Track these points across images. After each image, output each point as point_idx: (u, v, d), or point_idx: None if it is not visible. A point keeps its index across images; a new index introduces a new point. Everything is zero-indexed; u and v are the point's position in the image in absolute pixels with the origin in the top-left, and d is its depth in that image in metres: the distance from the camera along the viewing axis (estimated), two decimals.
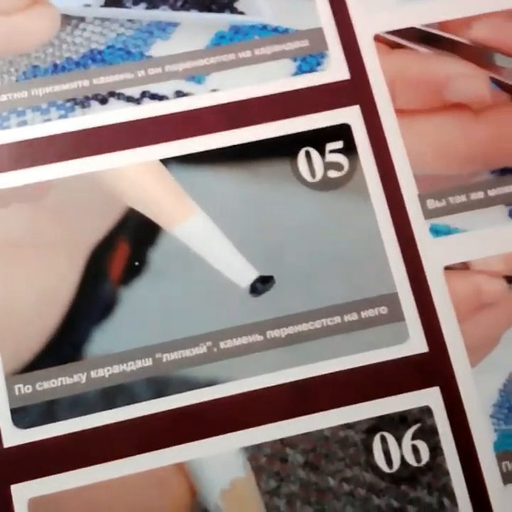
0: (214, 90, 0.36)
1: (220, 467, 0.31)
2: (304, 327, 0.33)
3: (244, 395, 0.32)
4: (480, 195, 0.35)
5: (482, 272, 0.34)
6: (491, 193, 0.36)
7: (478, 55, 0.37)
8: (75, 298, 0.33)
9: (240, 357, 0.32)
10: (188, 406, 0.32)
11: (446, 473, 0.32)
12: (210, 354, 0.32)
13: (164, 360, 0.32)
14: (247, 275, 0.34)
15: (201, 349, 0.33)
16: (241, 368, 0.32)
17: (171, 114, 0.36)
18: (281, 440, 0.32)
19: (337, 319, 0.33)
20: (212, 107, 0.36)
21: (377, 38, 0.37)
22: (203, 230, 0.34)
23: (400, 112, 0.36)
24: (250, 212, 0.34)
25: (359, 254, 0.34)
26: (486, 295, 0.34)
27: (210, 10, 0.37)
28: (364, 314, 0.33)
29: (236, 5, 0.37)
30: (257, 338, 0.33)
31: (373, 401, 0.32)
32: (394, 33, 0.37)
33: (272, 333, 0.33)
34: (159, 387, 0.32)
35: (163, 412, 0.32)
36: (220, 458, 0.32)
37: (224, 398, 0.32)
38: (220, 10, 0.37)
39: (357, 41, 0.37)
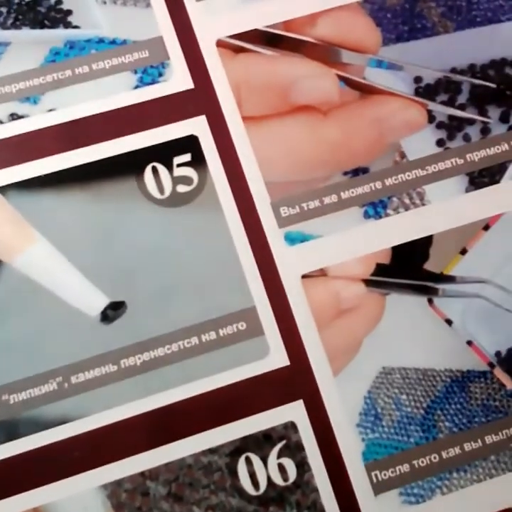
0: (51, 110, 0.32)
1: (79, 509, 0.29)
2: (160, 352, 0.30)
3: (100, 430, 0.29)
4: (333, 198, 0.33)
5: (340, 278, 0.32)
6: (345, 195, 0.33)
7: (325, 53, 0.35)
8: None
9: (94, 390, 0.29)
10: (41, 448, 0.29)
11: (315, 490, 0.30)
12: (61, 390, 0.29)
13: (11, 401, 0.29)
14: (96, 303, 0.31)
15: (51, 386, 0.29)
16: (95, 401, 0.29)
17: (6, 138, 0.32)
18: (142, 473, 0.29)
19: (194, 340, 0.31)
20: (50, 127, 0.32)
21: (220, 43, 0.34)
22: (45, 259, 0.31)
23: (247, 119, 0.33)
24: (96, 236, 0.31)
25: (214, 270, 0.32)
26: (345, 301, 0.32)
27: (43, 26, 0.34)
28: (222, 332, 0.31)
29: (70, 19, 0.34)
30: (111, 368, 0.30)
31: (236, 422, 0.30)
32: (236, 36, 0.34)
33: (127, 362, 0.30)
34: (8, 430, 0.29)
35: (14, 456, 0.29)
36: (77, 499, 0.29)
37: (78, 436, 0.29)
38: (54, 25, 0.34)
39: (199, 48, 0.34)
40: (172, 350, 0.30)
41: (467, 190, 0.34)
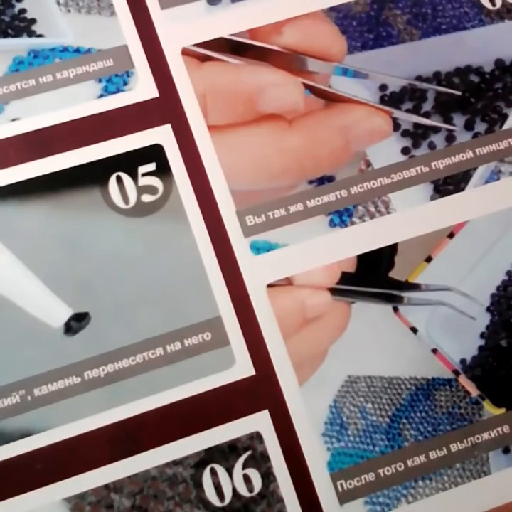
0: (15, 119, 0.32)
1: None
2: (124, 363, 0.30)
3: (63, 443, 0.28)
4: (299, 207, 0.33)
5: (305, 286, 0.32)
6: (310, 203, 0.33)
7: (290, 61, 0.34)
8: None
9: (57, 403, 0.29)
10: (3, 461, 0.28)
11: (280, 500, 0.29)
12: (24, 403, 0.28)
13: None
14: (59, 314, 0.30)
15: (14, 399, 0.28)
16: (58, 414, 0.29)
17: None
18: (106, 485, 0.28)
19: (159, 351, 0.30)
20: (14, 137, 0.31)
21: (185, 52, 0.34)
22: (7, 270, 0.30)
23: (212, 128, 0.33)
24: (60, 246, 0.30)
25: (179, 280, 0.31)
26: (310, 309, 0.31)
27: (6, 35, 0.33)
28: (188, 342, 0.30)
29: (34, 28, 0.33)
30: (75, 380, 0.29)
31: (201, 433, 0.29)
32: (202, 45, 0.34)
33: (91, 374, 0.29)
34: None
35: None
36: None
37: (41, 449, 0.28)
38: (18, 34, 0.33)
39: (164, 56, 0.33)
40: (136, 361, 0.30)
41: (432, 198, 0.33)
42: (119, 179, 0.31)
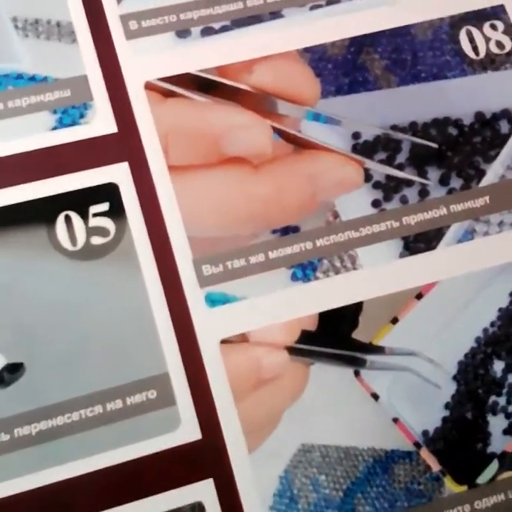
0: None
1: None
2: (59, 421, 0.26)
3: None
4: (260, 257, 0.30)
5: (262, 344, 0.29)
6: (272, 255, 0.30)
7: (260, 102, 0.31)
8: None
9: None
10: None
11: None
12: None
13: None
14: None
15: None
16: None
17: None
18: None
19: (98, 409, 0.27)
20: None
21: (149, 86, 0.31)
22: None
23: (173, 169, 0.30)
24: None
25: (126, 331, 0.28)
26: (266, 369, 0.28)
27: None
28: (130, 400, 0.27)
29: None
30: (3, 437, 0.26)
31: (140, 501, 0.26)
32: (167, 79, 0.31)
33: (21, 431, 0.26)
34: None
35: None
36: None
37: None
38: None
39: (126, 89, 0.30)
40: (73, 419, 0.26)
41: (401, 256, 0.30)
42: (67, 219, 0.28)
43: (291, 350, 0.29)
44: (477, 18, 0.34)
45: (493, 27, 0.34)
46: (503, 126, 0.32)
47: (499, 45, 0.34)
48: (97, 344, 0.27)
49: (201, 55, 0.31)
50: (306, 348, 0.29)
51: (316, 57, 0.32)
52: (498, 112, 0.32)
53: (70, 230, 0.28)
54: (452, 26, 0.34)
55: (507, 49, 0.34)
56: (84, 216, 0.28)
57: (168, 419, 0.27)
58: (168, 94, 0.31)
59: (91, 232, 0.28)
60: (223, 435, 0.27)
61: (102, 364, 0.27)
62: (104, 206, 0.29)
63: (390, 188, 0.31)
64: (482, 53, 0.34)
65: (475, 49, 0.34)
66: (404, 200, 0.31)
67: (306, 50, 0.32)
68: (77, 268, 0.28)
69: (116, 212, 0.29)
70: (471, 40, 0.34)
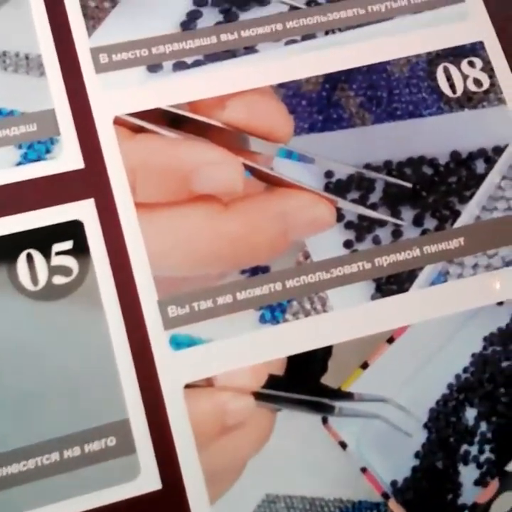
0: None
1: None
2: (13, 469, 0.25)
3: None
4: (228, 299, 0.28)
5: (227, 389, 0.28)
6: (241, 296, 0.29)
7: (232, 139, 0.30)
8: None
9: None
10: None
11: None
12: None
13: None
14: None
15: None
16: None
17: None
18: None
19: (55, 456, 0.25)
20: None
21: (118, 121, 0.30)
22: None
23: (140, 206, 0.29)
24: None
25: (86, 375, 0.26)
26: (230, 416, 0.27)
27: None
28: (88, 448, 0.26)
29: None
30: None
31: None
32: (137, 115, 0.30)
33: None
34: None
35: None
36: None
37: None
38: None
39: (94, 124, 0.29)
40: (28, 466, 0.25)
41: (373, 298, 0.29)
42: (29, 257, 0.27)
43: (258, 396, 0.27)
44: (455, 54, 0.33)
45: (471, 64, 0.33)
46: (479, 166, 0.32)
47: (477, 82, 0.33)
48: (56, 388, 0.26)
49: (173, 90, 0.30)
50: (273, 394, 0.28)
51: (290, 94, 0.31)
52: (475, 151, 0.32)
53: (32, 269, 0.27)
54: (429, 63, 0.33)
55: (485, 87, 0.33)
56: (47, 254, 0.27)
57: (127, 467, 0.26)
58: (138, 129, 0.30)
59: (53, 271, 0.27)
60: (184, 485, 0.26)
61: (60, 409, 0.26)
62: (68, 244, 0.28)
63: (362, 228, 0.30)
64: (459, 91, 0.33)
65: (452, 86, 0.33)
66: (376, 241, 0.30)
67: (281, 85, 0.31)
68: (38, 309, 0.27)
69: (80, 250, 0.28)
70: (449, 77, 0.33)
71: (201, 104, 0.30)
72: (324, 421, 0.28)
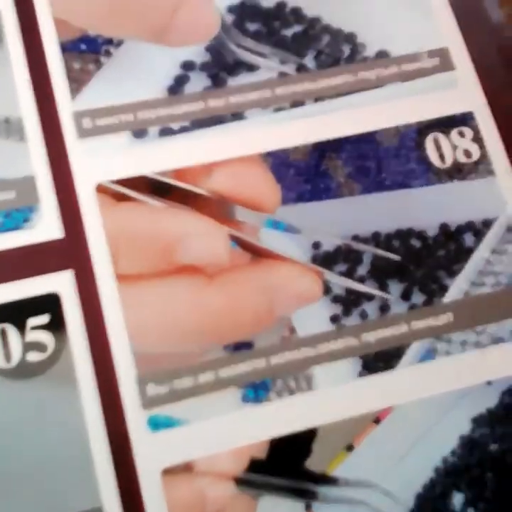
0: None
1: None
2: None
3: None
4: (210, 376, 0.27)
5: (207, 474, 0.26)
6: (223, 373, 0.27)
7: (217, 208, 0.29)
8: None
9: None
10: None
11: None
12: None
13: None
14: None
15: None
16: None
17: None
18: None
19: None
20: None
21: (100, 189, 0.28)
22: None
23: (121, 278, 0.27)
24: None
25: (58, 459, 0.24)
26: (209, 503, 0.25)
27: None
28: None
29: None
30: None
31: None
32: (120, 182, 0.28)
33: None
34: None
35: None
36: None
37: None
38: None
39: (75, 192, 0.28)
40: None
41: (360, 375, 0.28)
42: (2, 332, 0.26)
43: (239, 481, 0.26)
44: (445, 124, 0.32)
45: (461, 134, 0.32)
46: (468, 240, 0.30)
47: (467, 153, 0.32)
48: (23, 474, 0.24)
49: (158, 157, 0.29)
50: (255, 479, 0.26)
51: (278, 162, 0.30)
52: (463, 224, 0.30)
53: (5, 345, 0.25)
54: (419, 132, 0.32)
55: (475, 157, 0.32)
56: (22, 329, 0.25)
57: None
58: (121, 197, 0.28)
59: (28, 347, 0.25)
60: None
61: (29, 496, 0.24)
62: (44, 318, 0.26)
63: (349, 301, 0.29)
64: (449, 162, 0.32)
65: (441, 157, 0.32)
66: (363, 315, 0.29)
67: (268, 154, 0.30)
68: (9, 387, 0.25)
69: (57, 325, 0.26)
70: (438, 147, 0.32)
71: (187, 172, 0.29)
72: (307, 507, 0.26)
